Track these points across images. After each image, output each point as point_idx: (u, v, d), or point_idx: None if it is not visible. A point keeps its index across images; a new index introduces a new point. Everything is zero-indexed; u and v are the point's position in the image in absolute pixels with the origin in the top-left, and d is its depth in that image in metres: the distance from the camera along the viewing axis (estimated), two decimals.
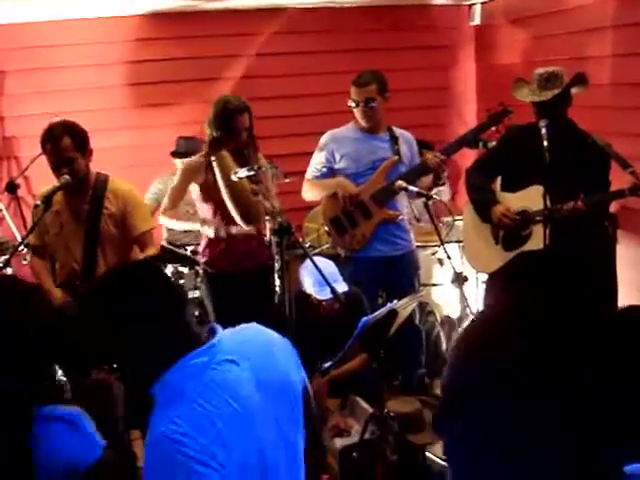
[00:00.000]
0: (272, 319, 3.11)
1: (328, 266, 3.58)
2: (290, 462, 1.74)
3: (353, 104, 4.07)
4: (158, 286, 1.70)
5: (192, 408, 1.54)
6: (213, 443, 1.51)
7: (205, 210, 3.90)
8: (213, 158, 3.70)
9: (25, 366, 1.79)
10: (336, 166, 4.16)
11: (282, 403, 1.74)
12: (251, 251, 3.97)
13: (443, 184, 5.05)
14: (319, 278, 3.34)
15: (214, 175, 3.74)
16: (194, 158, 3.89)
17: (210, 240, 3.97)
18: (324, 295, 3.58)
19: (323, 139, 4.22)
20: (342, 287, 3.54)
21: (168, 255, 4.81)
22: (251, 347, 1.76)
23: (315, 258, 3.29)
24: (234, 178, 3.49)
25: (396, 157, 4.11)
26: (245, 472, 1.57)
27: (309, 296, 3.71)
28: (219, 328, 1.75)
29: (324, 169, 4.17)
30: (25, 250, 3.93)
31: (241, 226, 3.81)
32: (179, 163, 4.48)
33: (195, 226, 4.06)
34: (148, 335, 1.63)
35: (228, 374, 1.64)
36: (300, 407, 1.80)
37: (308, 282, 3.70)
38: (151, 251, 3.47)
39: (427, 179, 4.24)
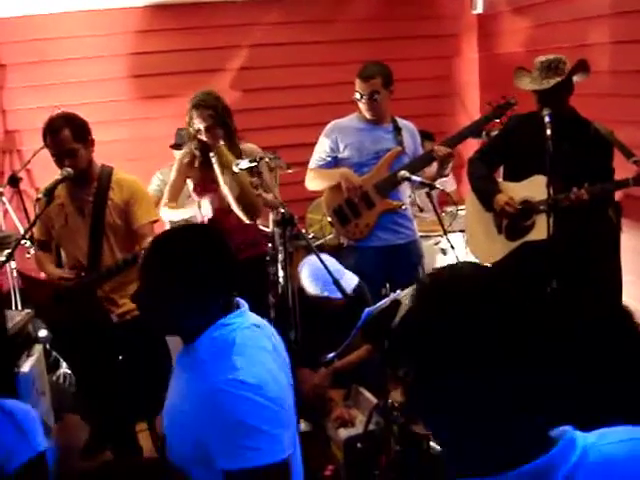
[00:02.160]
0: (268, 310, 3.09)
1: (330, 265, 3.53)
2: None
3: (358, 96, 4.06)
4: (219, 248, 1.91)
5: (245, 356, 1.74)
6: (269, 383, 1.73)
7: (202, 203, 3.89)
8: (212, 154, 3.68)
9: None
10: (340, 155, 4.15)
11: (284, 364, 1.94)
12: (249, 241, 3.94)
13: (447, 175, 5.05)
14: (320, 277, 3.32)
15: (208, 168, 3.72)
16: (185, 151, 3.88)
17: None
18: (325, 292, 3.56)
19: (327, 129, 4.21)
20: (353, 281, 3.49)
21: None
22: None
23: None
24: (236, 170, 3.48)
25: (399, 148, 4.11)
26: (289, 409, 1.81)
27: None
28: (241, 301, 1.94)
29: (328, 158, 4.17)
30: (28, 244, 3.93)
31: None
32: (178, 155, 4.47)
33: (195, 211, 4.03)
34: (205, 291, 1.80)
35: (259, 333, 1.88)
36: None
37: (307, 280, 3.65)
38: (147, 243, 3.33)
39: (430, 170, 4.23)
